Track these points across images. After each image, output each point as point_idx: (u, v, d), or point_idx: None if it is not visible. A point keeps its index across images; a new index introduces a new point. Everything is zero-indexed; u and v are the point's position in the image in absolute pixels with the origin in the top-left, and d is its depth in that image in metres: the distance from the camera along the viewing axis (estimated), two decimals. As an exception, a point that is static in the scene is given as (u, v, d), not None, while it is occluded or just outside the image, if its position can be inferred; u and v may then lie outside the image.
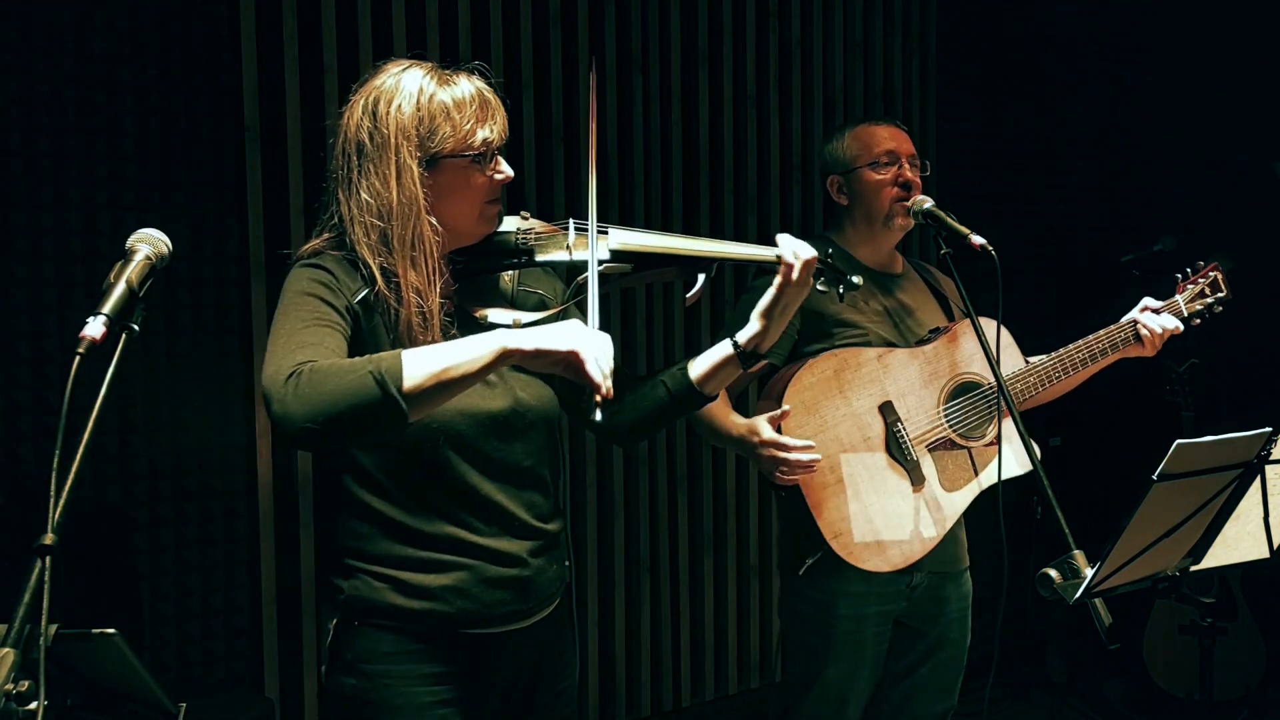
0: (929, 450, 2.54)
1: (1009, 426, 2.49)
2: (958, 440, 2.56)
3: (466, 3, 3.58)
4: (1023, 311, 3.69)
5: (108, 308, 1.45)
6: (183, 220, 3.15)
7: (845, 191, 2.67)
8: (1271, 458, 2.28)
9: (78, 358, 1.39)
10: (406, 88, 1.79)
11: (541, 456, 1.92)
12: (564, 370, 1.66)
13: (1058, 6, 4.97)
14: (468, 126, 1.79)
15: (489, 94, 1.84)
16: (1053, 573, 2.13)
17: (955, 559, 2.66)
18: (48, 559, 1.29)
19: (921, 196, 2.59)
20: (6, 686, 1.22)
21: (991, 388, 2.59)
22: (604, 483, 3.91)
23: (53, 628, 1.28)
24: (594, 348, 1.64)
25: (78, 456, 1.35)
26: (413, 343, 1.76)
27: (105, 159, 3.07)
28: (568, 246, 1.88)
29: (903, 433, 2.51)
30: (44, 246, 2.99)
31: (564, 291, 2.01)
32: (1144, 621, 4.24)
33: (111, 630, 1.56)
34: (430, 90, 1.79)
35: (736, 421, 2.47)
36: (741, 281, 3.28)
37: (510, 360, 1.66)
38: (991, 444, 2.57)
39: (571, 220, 1.90)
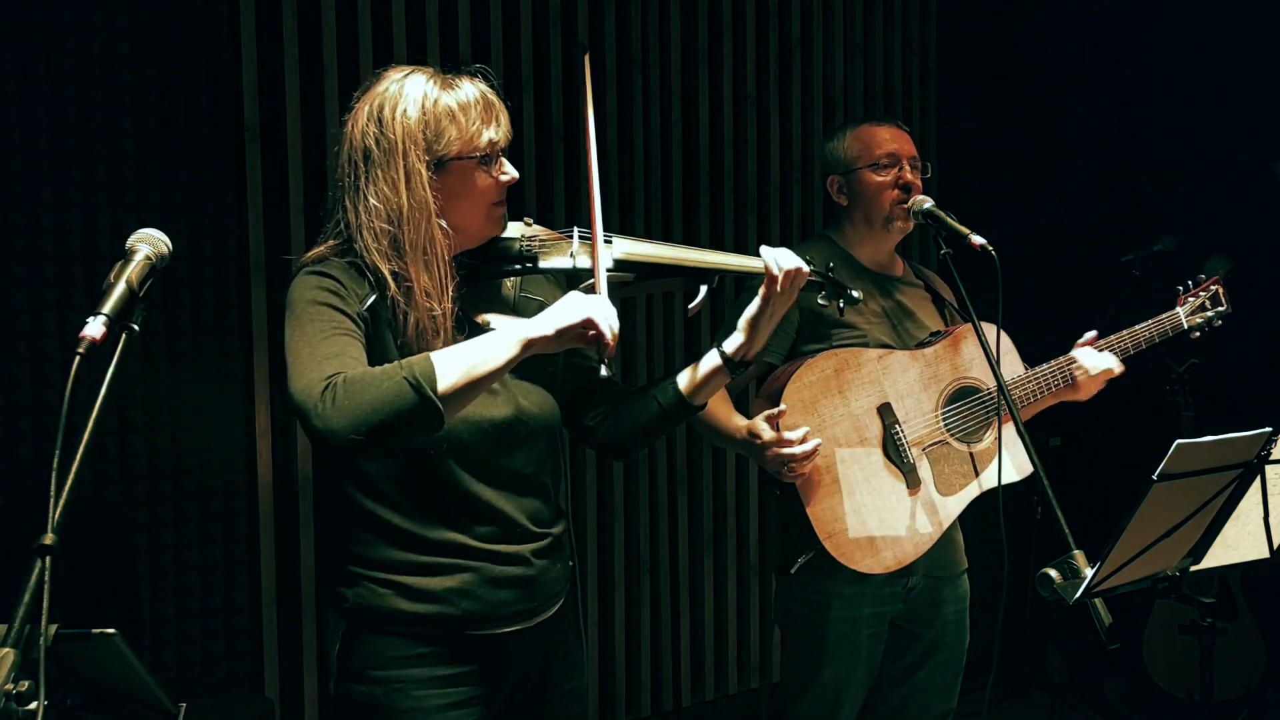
0: (926, 453, 2.54)
1: (1009, 431, 2.49)
2: (956, 444, 2.56)
3: (466, 3, 3.58)
4: (1023, 312, 3.69)
5: (108, 308, 1.45)
6: (183, 220, 3.15)
7: (845, 192, 2.67)
8: (1271, 458, 2.28)
9: (78, 358, 1.39)
10: (410, 93, 1.80)
11: (543, 464, 1.92)
12: (579, 340, 1.71)
13: (1058, 7, 4.97)
14: (473, 128, 1.80)
15: (492, 96, 1.85)
16: (1053, 573, 2.13)
17: (953, 562, 2.66)
18: (48, 559, 1.29)
19: (921, 196, 2.58)
20: (6, 686, 1.22)
21: (990, 393, 2.58)
22: (604, 483, 3.91)
23: (53, 628, 1.28)
24: (603, 310, 1.71)
25: (78, 456, 1.35)
26: (424, 348, 1.76)
27: (105, 159, 3.06)
28: (571, 253, 1.89)
29: (900, 435, 2.51)
30: (44, 246, 2.99)
31: None
32: (1144, 621, 4.24)
33: (111, 630, 1.56)
34: (435, 95, 1.80)
35: (738, 424, 2.47)
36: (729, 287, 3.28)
37: (534, 349, 1.70)
38: (988, 449, 2.57)
39: (576, 228, 1.91)
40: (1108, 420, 4.84)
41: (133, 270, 1.50)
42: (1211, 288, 2.86)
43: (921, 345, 2.62)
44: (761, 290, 1.95)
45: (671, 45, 3.99)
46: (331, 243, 1.85)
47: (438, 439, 1.76)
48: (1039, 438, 2.41)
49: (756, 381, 2.64)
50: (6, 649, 1.24)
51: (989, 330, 2.48)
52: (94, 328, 1.42)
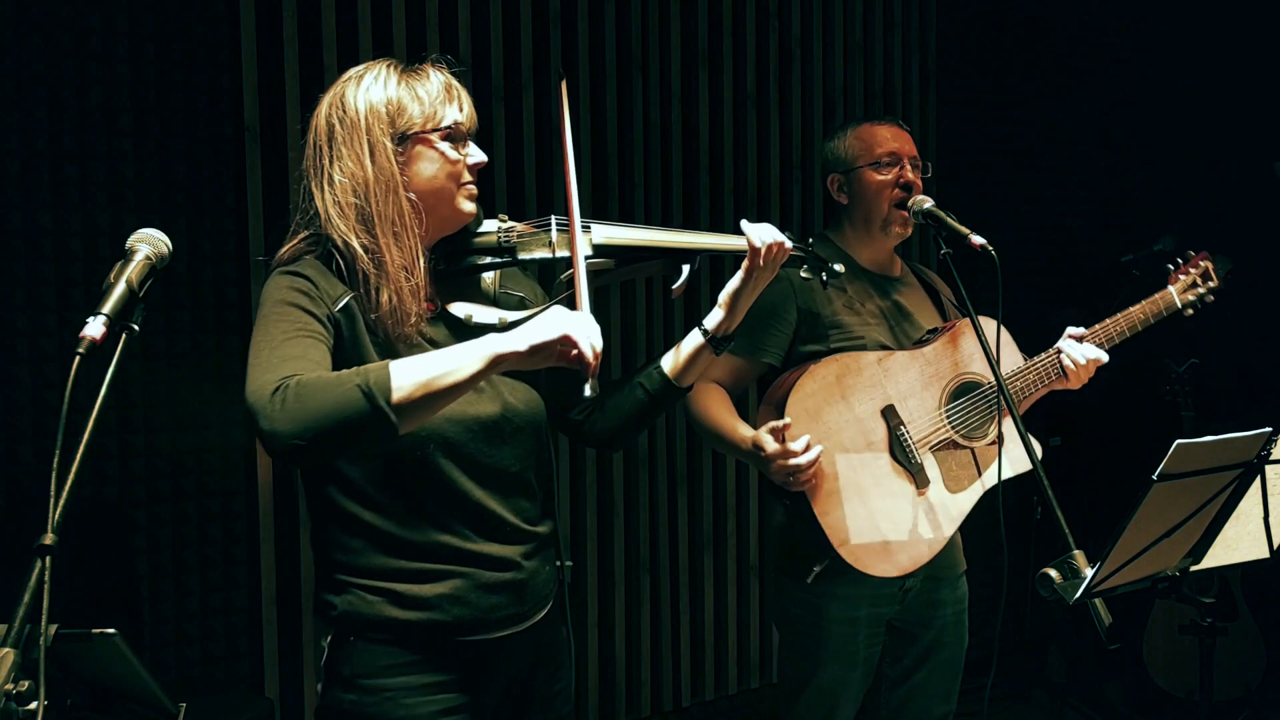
0: (932, 452, 2.53)
1: (1009, 426, 2.49)
2: (960, 441, 2.56)
3: (466, 3, 3.58)
4: (1023, 311, 3.69)
5: (108, 308, 1.45)
6: (183, 220, 3.15)
7: (845, 190, 2.66)
8: (1271, 458, 2.28)
9: (78, 358, 1.40)
10: (372, 77, 1.82)
11: (529, 461, 1.91)
12: (559, 359, 1.64)
13: (1058, 7, 4.97)
14: (435, 106, 1.81)
15: (455, 81, 1.86)
16: (1053, 573, 2.13)
17: (952, 563, 2.66)
18: (48, 559, 1.29)
19: (921, 196, 2.58)
20: (6, 686, 1.22)
21: (992, 387, 2.58)
22: (604, 483, 3.91)
23: (53, 628, 1.28)
24: (584, 328, 1.64)
25: (78, 456, 1.35)
26: (397, 325, 1.75)
27: (104, 159, 3.07)
28: (550, 244, 1.88)
29: (906, 436, 2.50)
30: (43, 246, 3.00)
31: (542, 293, 2.02)
32: (1144, 621, 4.24)
33: (111, 630, 1.56)
34: (396, 77, 1.82)
35: (743, 435, 2.44)
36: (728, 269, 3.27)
37: (503, 365, 1.64)
38: (993, 443, 2.56)
39: (553, 218, 1.90)
40: (1108, 421, 4.85)
41: (133, 270, 1.51)
42: (1201, 264, 2.86)
43: (919, 343, 2.61)
44: (745, 264, 1.97)
45: (671, 45, 3.99)
46: (304, 235, 1.83)
47: (422, 438, 1.75)
48: (1040, 437, 2.41)
49: (757, 386, 2.63)
50: (6, 649, 1.24)
51: (988, 325, 2.47)
52: (94, 328, 1.43)
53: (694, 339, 1.99)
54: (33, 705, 1.24)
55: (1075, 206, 5.11)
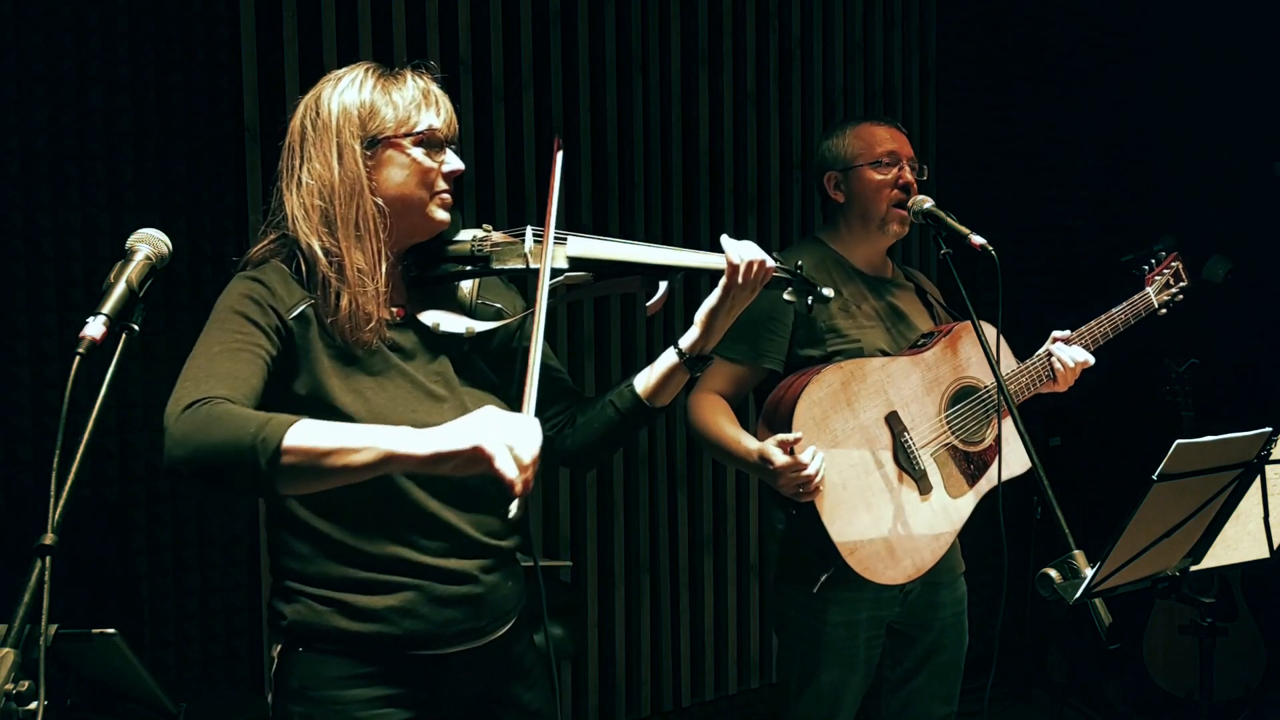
0: (934, 457, 2.53)
1: (1009, 427, 2.49)
2: (960, 445, 2.56)
3: (466, 3, 3.58)
4: (1023, 312, 3.69)
5: (108, 308, 1.45)
6: (183, 220, 3.15)
7: (843, 189, 2.65)
8: (1271, 458, 2.28)
9: (78, 358, 1.40)
10: (348, 80, 1.80)
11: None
12: (471, 471, 1.49)
13: (1058, 7, 4.97)
14: (409, 111, 1.78)
15: (434, 87, 1.83)
16: (1053, 573, 2.13)
17: (950, 565, 2.65)
18: (48, 559, 1.29)
19: (921, 196, 2.58)
20: (6, 686, 1.22)
21: (989, 391, 2.58)
22: (604, 483, 3.91)
23: (53, 628, 1.28)
24: (504, 437, 1.48)
25: (78, 456, 1.35)
26: (355, 330, 1.72)
27: (104, 159, 3.06)
28: (524, 255, 1.83)
29: (910, 442, 2.49)
30: (43, 246, 2.99)
31: (523, 305, 1.98)
32: (1144, 621, 4.24)
33: (111, 630, 1.57)
34: (372, 81, 1.79)
35: (748, 447, 2.40)
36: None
37: (397, 466, 1.53)
38: (992, 446, 2.57)
39: (529, 228, 1.85)
40: (1108, 421, 4.85)
41: (133, 270, 1.51)
42: (1173, 264, 2.92)
43: (916, 347, 2.61)
44: (722, 282, 1.88)
45: (671, 45, 3.99)
46: (273, 236, 1.81)
47: None
48: (1039, 438, 2.41)
49: (756, 392, 2.62)
50: (6, 649, 1.24)
51: (986, 329, 2.47)
52: (94, 327, 1.43)
53: (668, 358, 1.90)
54: (33, 705, 1.24)
55: (1075, 206, 5.11)
